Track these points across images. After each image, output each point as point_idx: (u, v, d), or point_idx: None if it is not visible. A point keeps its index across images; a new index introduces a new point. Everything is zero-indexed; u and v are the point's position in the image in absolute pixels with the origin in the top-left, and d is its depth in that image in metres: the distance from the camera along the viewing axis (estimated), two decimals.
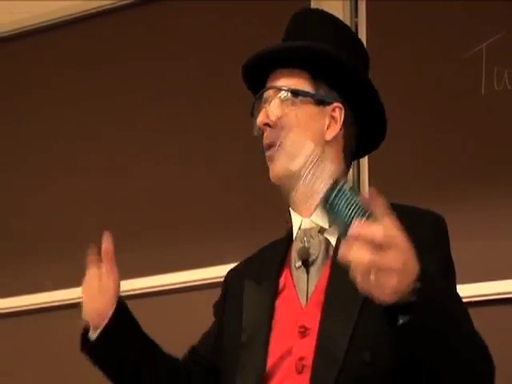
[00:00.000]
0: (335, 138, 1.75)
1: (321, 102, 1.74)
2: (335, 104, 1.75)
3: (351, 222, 1.34)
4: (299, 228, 1.74)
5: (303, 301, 1.69)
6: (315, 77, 1.75)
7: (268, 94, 1.77)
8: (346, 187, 1.38)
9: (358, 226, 1.31)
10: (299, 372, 1.63)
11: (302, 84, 1.75)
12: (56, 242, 3.57)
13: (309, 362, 1.62)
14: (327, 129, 1.74)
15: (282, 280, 1.75)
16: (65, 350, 3.25)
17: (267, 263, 1.80)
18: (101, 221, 3.37)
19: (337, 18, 1.88)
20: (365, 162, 2.97)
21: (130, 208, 3.48)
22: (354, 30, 3.01)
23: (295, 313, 1.69)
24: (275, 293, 1.73)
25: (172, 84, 3.47)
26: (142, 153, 3.49)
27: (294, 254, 1.75)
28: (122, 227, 3.32)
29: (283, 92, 1.75)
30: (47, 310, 3.48)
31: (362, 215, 1.34)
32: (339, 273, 1.52)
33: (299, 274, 1.71)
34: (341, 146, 1.77)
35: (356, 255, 1.29)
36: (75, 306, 3.15)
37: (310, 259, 1.69)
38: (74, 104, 3.62)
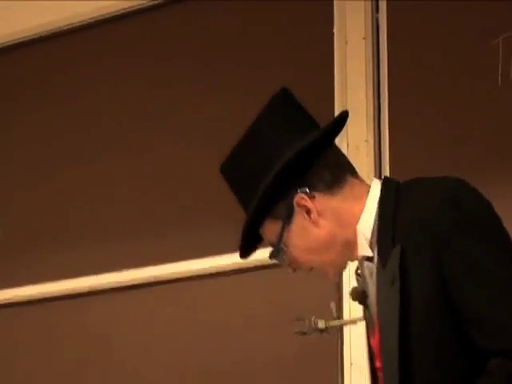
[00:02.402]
0: (322, 207, 1.80)
1: (289, 218, 1.80)
2: (294, 203, 1.80)
3: None
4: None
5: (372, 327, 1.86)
6: (268, 216, 1.82)
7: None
8: None
9: None
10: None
11: (271, 231, 1.83)
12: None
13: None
14: (311, 217, 1.80)
15: None
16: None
17: None
18: (112, 211, 3.73)
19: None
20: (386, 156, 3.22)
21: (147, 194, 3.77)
22: (375, 26, 3.33)
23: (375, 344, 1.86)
24: None
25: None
26: (149, 142, 3.79)
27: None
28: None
29: (273, 252, 1.85)
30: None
31: None
32: (382, 304, 1.73)
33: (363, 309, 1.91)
34: (331, 200, 1.81)
35: None
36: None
37: (364, 294, 1.84)
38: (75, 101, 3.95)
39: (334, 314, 3.16)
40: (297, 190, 1.77)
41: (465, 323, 1.67)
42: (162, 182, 3.76)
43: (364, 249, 1.79)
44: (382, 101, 3.48)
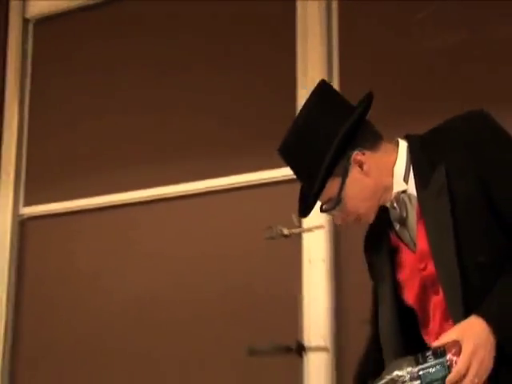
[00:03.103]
0: (370, 161, 2.14)
1: (346, 173, 2.13)
2: (351, 161, 2.12)
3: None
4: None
5: (413, 248, 2.13)
6: (330, 175, 2.13)
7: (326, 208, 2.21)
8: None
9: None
10: (436, 289, 2.06)
11: (332, 188, 2.14)
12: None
13: (435, 281, 2.04)
14: (363, 169, 2.14)
15: (392, 243, 2.19)
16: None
17: (377, 235, 2.25)
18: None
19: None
20: None
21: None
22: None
23: (411, 259, 2.13)
24: (390, 254, 2.18)
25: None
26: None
27: (392, 219, 2.17)
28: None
29: (331, 205, 2.17)
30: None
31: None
32: (428, 213, 2.03)
33: (402, 231, 2.15)
34: (374, 155, 2.14)
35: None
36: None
37: (404, 218, 2.13)
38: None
39: (296, 224, 3.66)
40: (353, 150, 2.11)
41: (507, 217, 1.97)
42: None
43: (399, 185, 2.13)
44: None
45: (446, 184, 2.00)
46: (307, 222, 3.80)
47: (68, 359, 4.46)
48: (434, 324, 2.09)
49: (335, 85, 3.95)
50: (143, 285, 4.33)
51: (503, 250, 1.96)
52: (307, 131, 2.12)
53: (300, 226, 3.70)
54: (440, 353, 1.83)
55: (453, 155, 2.03)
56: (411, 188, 2.11)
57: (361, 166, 2.12)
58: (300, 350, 3.65)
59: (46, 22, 4.84)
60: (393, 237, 2.19)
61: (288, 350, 3.62)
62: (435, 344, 1.87)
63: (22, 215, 4.74)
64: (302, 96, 3.95)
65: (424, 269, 2.08)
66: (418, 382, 1.81)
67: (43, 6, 4.82)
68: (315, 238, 3.86)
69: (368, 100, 2.18)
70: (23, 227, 4.74)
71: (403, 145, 2.16)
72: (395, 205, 2.13)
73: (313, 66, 4.09)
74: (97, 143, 4.60)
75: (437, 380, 1.81)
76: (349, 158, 2.10)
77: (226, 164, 4.20)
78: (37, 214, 4.71)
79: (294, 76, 4.13)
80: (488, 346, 1.83)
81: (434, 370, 1.81)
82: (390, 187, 2.14)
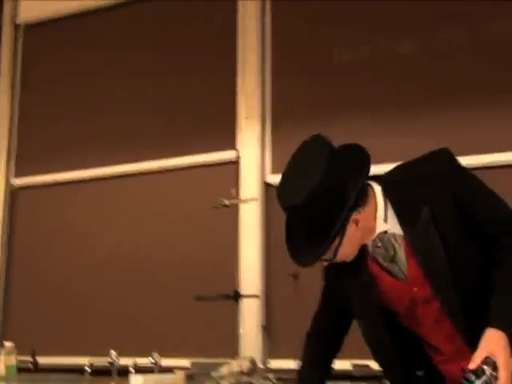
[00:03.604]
0: (363, 217, 2.14)
1: (344, 232, 2.11)
2: (350, 220, 2.11)
3: None
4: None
5: (403, 277, 2.19)
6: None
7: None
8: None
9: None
10: (426, 303, 2.16)
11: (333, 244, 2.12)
12: None
13: (431, 297, 2.15)
14: (358, 225, 2.14)
15: (373, 271, 2.22)
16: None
17: (353, 264, 2.22)
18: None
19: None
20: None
21: None
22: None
23: (400, 284, 2.19)
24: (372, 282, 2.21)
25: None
26: None
27: (377, 256, 2.20)
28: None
29: (330, 257, 2.15)
30: None
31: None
32: (419, 250, 2.11)
33: (392, 266, 2.19)
34: (364, 210, 2.14)
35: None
36: None
37: (392, 256, 2.18)
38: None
39: (234, 196, 4.05)
40: (354, 211, 2.10)
41: (480, 226, 2.11)
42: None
43: (381, 226, 2.16)
44: None
45: (431, 222, 2.09)
46: (243, 194, 4.36)
47: (50, 300, 4.94)
48: (426, 325, 2.22)
49: (268, 73, 4.50)
50: (113, 246, 4.87)
51: (484, 263, 2.11)
52: (318, 194, 2.06)
53: (238, 198, 4.23)
54: (480, 372, 1.91)
55: (432, 192, 2.11)
56: (393, 227, 2.16)
57: (356, 223, 2.13)
58: (237, 297, 4.04)
59: (35, 28, 5.35)
60: (373, 267, 2.23)
61: (227, 297, 4.00)
62: (472, 366, 1.94)
63: (13, 185, 5.21)
64: (240, 83, 4.57)
65: (417, 291, 2.18)
66: None
67: (33, 13, 5.34)
68: (250, 208, 4.42)
69: (368, 162, 2.15)
70: (14, 196, 5.23)
71: (378, 189, 2.19)
72: (379, 244, 2.18)
73: (250, 50, 4.60)
74: (79, 125, 5.06)
75: None
76: (349, 218, 2.10)
77: (179, 147, 4.75)
78: (27, 185, 5.18)
79: (235, 65, 4.64)
80: (509, 349, 1.96)
81: None
82: (373, 230, 2.17)
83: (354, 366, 3.36)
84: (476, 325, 2.06)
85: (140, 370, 3.44)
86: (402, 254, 2.17)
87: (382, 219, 2.17)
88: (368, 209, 2.16)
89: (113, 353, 3.49)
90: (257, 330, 4.33)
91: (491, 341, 1.98)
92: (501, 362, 1.94)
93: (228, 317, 4.37)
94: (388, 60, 4.25)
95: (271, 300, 4.41)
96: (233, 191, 4.11)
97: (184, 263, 4.64)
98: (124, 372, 3.44)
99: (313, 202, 2.06)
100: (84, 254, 4.97)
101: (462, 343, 2.16)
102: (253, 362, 3.04)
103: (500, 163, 3.92)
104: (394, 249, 2.17)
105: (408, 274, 2.18)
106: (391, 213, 2.17)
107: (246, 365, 3.01)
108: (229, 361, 3.11)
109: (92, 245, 4.95)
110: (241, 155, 4.59)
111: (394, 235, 2.17)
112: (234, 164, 4.59)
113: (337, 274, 2.27)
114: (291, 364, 3.25)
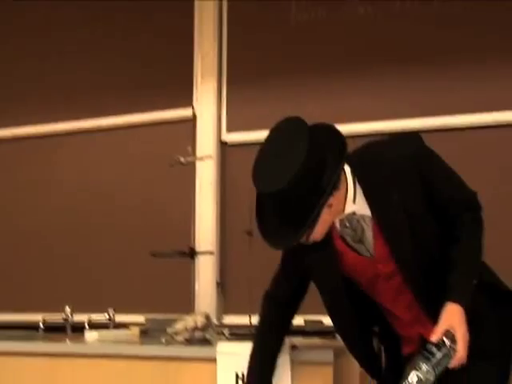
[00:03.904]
0: (335, 203, 2.15)
1: (318, 216, 2.11)
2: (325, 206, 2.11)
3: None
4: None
5: (368, 255, 2.25)
6: None
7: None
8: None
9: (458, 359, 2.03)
10: (388, 278, 2.25)
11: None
12: None
13: (394, 273, 2.23)
14: (331, 209, 2.16)
15: (338, 247, 2.26)
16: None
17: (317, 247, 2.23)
18: None
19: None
20: None
21: None
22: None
23: (366, 262, 2.25)
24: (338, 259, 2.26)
25: None
26: None
27: (345, 236, 2.25)
28: None
29: (305, 239, 2.17)
30: None
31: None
32: (387, 229, 2.17)
33: (358, 246, 2.25)
34: (337, 193, 2.15)
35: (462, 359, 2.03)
36: None
37: (360, 237, 2.23)
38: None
39: (190, 154, 4.13)
40: (330, 197, 2.10)
41: (443, 206, 2.20)
42: None
43: (350, 207, 2.20)
44: None
45: (400, 205, 2.16)
46: (199, 152, 4.43)
47: (1, 255, 5.02)
48: (386, 297, 2.31)
49: (224, 31, 4.54)
50: (67, 201, 4.90)
51: (444, 240, 2.21)
52: (297, 180, 2.04)
53: (194, 155, 4.30)
54: (441, 344, 2.04)
55: (400, 177, 2.17)
56: (361, 208, 2.20)
57: (330, 207, 2.14)
58: (192, 253, 4.17)
59: None
60: (339, 244, 2.28)
61: (182, 253, 4.12)
62: (433, 339, 2.05)
63: None
64: (197, 41, 4.61)
65: (381, 268, 2.25)
66: (433, 374, 2.01)
67: None
68: (206, 166, 4.49)
69: (346, 147, 2.15)
70: None
71: (347, 170, 2.20)
72: (347, 225, 2.23)
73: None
74: (35, 80, 5.07)
75: (444, 367, 2.04)
76: (325, 204, 2.11)
77: (135, 104, 4.76)
78: None
79: (192, 23, 4.67)
80: (465, 323, 2.09)
81: (442, 360, 2.03)
82: (342, 210, 2.21)
83: (306, 321, 3.43)
84: (434, 296, 2.17)
85: (95, 326, 3.47)
86: (369, 233, 2.23)
87: (351, 200, 2.20)
88: (340, 191, 2.18)
89: (67, 309, 3.50)
90: (211, 286, 4.39)
91: (450, 315, 2.08)
92: (459, 335, 2.05)
93: (183, 273, 4.44)
94: (343, 21, 4.31)
95: (226, 257, 4.48)
96: (189, 149, 4.15)
97: (140, 220, 4.69)
98: (79, 328, 3.46)
99: (292, 188, 2.05)
100: (36, 210, 5.00)
101: (420, 312, 2.25)
102: (207, 317, 3.08)
103: (460, 126, 4.02)
104: (363, 229, 2.22)
105: (374, 253, 2.24)
106: (360, 193, 2.21)
107: (200, 320, 3.05)
108: (184, 317, 3.15)
109: (44, 200, 4.98)
110: (197, 113, 4.62)
111: (362, 216, 2.22)
112: (190, 122, 4.61)
113: (299, 246, 2.26)
114: (245, 320, 3.32)
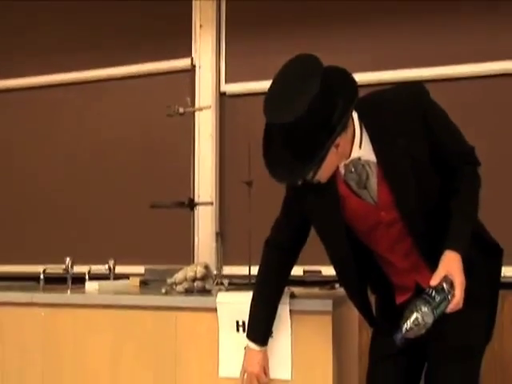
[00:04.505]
0: (342, 145, 2.17)
1: (326, 155, 2.11)
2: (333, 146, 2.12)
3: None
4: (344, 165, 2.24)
5: (372, 202, 2.26)
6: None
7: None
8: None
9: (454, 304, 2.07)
10: (389, 226, 2.28)
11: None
12: None
13: (396, 220, 2.26)
14: (338, 150, 2.16)
15: (341, 192, 2.28)
16: None
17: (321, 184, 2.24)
18: None
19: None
20: None
21: None
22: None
23: (369, 208, 2.27)
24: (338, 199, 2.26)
25: None
26: None
27: (350, 181, 2.25)
28: None
29: (311, 178, 2.18)
30: None
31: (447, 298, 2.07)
32: (391, 174, 2.18)
33: (361, 192, 2.26)
34: (345, 135, 2.16)
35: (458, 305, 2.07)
36: None
37: (364, 182, 2.25)
38: None
39: (189, 104, 4.09)
40: (339, 137, 2.10)
41: (444, 157, 2.22)
42: None
43: (356, 152, 2.21)
44: None
45: (406, 152, 2.17)
46: (198, 103, 4.42)
47: (3, 208, 5.03)
48: (383, 246, 2.34)
49: (223, 6, 4.52)
50: (68, 153, 4.92)
51: (444, 190, 2.24)
52: (310, 117, 2.04)
53: (192, 106, 4.27)
54: (440, 289, 2.08)
55: (406, 125, 2.18)
56: (366, 154, 2.21)
57: (337, 147, 2.14)
58: (191, 204, 4.10)
59: None
60: (343, 189, 2.29)
61: (182, 204, 4.05)
62: (433, 283, 2.09)
63: None
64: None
65: (384, 216, 2.28)
66: (431, 317, 2.05)
67: None
68: (205, 116, 4.49)
69: (357, 89, 2.14)
70: None
71: (354, 115, 2.21)
72: (352, 169, 2.24)
73: None
74: (34, 30, 5.06)
75: (442, 311, 2.08)
76: (334, 142, 2.11)
77: (134, 54, 4.75)
78: None
79: None
80: (462, 267, 2.13)
81: (441, 304, 2.07)
82: (348, 154, 2.22)
83: (305, 271, 3.44)
84: (433, 243, 2.20)
85: (95, 277, 3.48)
86: (374, 180, 2.24)
87: (357, 145, 2.21)
88: (347, 134, 2.18)
89: (68, 260, 3.51)
90: (211, 237, 4.43)
91: (449, 262, 2.12)
92: (457, 281, 2.09)
93: (183, 224, 4.47)
94: None
95: (225, 207, 4.52)
96: (188, 99, 4.11)
97: (139, 171, 4.71)
98: (79, 279, 3.48)
99: (302, 121, 2.03)
100: (35, 161, 5.01)
101: (417, 260, 2.29)
102: (207, 267, 3.09)
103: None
104: (367, 175, 2.23)
105: (378, 200, 2.26)
106: (366, 139, 2.21)
107: (200, 271, 3.06)
108: (183, 267, 3.16)
109: (47, 152, 4.98)
110: (196, 63, 4.59)
111: (367, 162, 2.23)
112: (189, 72, 4.57)
113: (303, 189, 2.28)
114: (244, 270, 3.33)
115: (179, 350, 2.78)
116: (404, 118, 2.19)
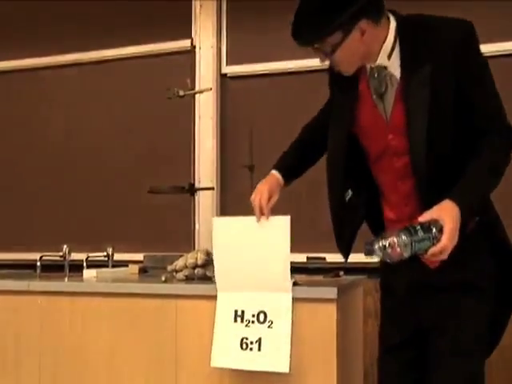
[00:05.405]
0: (370, 32, 2.16)
1: (348, 34, 2.14)
2: (357, 26, 2.13)
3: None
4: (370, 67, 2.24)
5: (384, 117, 2.25)
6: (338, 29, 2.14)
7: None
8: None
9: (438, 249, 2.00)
10: (396, 156, 2.23)
11: (331, 39, 2.16)
12: None
13: (404, 152, 2.20)
14: (363, 37, 2.16)
15: (361, 89, 2.29)
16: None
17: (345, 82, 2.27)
18: None
19: None
20: None
21: None
22: None
23: (381, 125, 2.25)
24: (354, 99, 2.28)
25: None
26: None
27: (370, 85, 2.26)
28: None
29: (324, 50, 2.20)
30: None
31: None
32: (410, 97, 2.14)
33: (378, 102, 2.25)
34: (375, 28, 2.16)
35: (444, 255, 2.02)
36: None
37: (382, 93, 2.23)
38: None
39: (189, 87, 4.09)
40: (363, 18, 2.12)
41: (471, 110, 2.14)
42: None
43: (383, 60, 2.20)
44: None
45: (430, 79, 2.12)
46: (198, 85, 4.38)
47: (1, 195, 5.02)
48: (386, 180, 2.32)
49: None
50: (66, 137, 4.88)
51: (463, 145, 2.16)
52: None
53: (192, 89, 4.21)
54: (427, 228, 2.01)
55: (440, 55, 2.12)
56: (393, 67, 2.20)
57: (363, 33, 2.14)
58: (192, 189, 4.11)
59: None
60: (363, 87, 2.30)
61: (181, 189, 4.05)
62: (421, 219, 2.04)
63: None
64: None
65: (392, 139, 2.24)
66: (409, 249, 1.99)
67: None
68: (205, 98, 4.43)
69: None
70: None
71: (393, 24, 2.20)
72: (376, 75, 2.24)
73: None
74: (33, 10, 4.99)
75: (423, 250, 2.02)
76: (357, 22, 2.12)
77: (133, 35, 4.70)
78: None
79: None
80: (458, 224, 2.05)
81: (422, 241, 2.01)
82: (374, 57, 2.21)
83: (309, 258, 3.38)
84: (435, 191, 2.13)
85: (93, 264, 3.44)
86: (391, 94, 2.21)
87: (386, 54, 2.20)
88: (378, 30, 2.17)
89: (65, 248, 3.46)
90: (212, 222, 4.33)
91: (445, 209, 2.05)
92: (447, 228, 2.02)
93: (183, 210, 4.42)
94: None
95: (226, 193, 4.46)
96: (188, 81, 4.07)
97: (138, 155, 4.66)
98: (77, 267, 3.44)
99: None
100: (31, 146, 4.96)
101: (416, 207, 2.20)
102: (208, 254, 3.02)
103: None
104: (387, 86, 2.21)
105: (390, 118, 2.22)
106: (396, 54, 2.19)
107: (201, 257, 2.99)
108: (184, 254, 3.10)
109: (44, 136, 4.93)
110: (196, 45, 4.52)
111: (391, 74, 2.20)
112: (189, 54, 4.50)
113: (334, 82, 2.36)
114: None
115: (180, 339, 2.73)
116: (442, 48, 2.13)
